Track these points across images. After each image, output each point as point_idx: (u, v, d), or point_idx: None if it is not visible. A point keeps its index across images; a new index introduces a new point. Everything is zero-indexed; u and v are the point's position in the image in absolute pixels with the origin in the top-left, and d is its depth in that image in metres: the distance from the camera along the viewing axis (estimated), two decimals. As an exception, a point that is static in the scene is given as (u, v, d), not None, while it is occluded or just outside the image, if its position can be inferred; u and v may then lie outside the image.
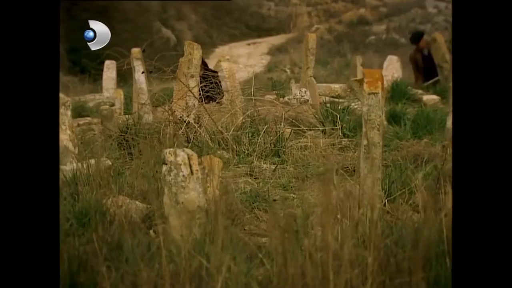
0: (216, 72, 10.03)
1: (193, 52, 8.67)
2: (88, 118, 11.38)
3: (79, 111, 12.50)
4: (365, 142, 4.48)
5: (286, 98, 11.62)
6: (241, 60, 31.39)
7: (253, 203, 5.61)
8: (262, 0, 38.76)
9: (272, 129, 7.19)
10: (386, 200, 5.14)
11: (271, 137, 7.02)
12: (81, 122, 10.84)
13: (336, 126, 7.70)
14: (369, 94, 4.41)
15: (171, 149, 4.49)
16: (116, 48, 6.91)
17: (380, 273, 3.08)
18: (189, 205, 4.43)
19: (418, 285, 2.99)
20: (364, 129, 4.49)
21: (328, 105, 8.60)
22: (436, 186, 4.87)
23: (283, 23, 37.34)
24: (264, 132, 7.02)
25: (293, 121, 7.74)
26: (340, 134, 7.62)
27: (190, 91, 7.39)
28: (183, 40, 32.66)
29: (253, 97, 8.07)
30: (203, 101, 7.74)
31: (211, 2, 36.54)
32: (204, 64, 11.31)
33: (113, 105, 12.22)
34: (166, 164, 4.46)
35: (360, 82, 8.97)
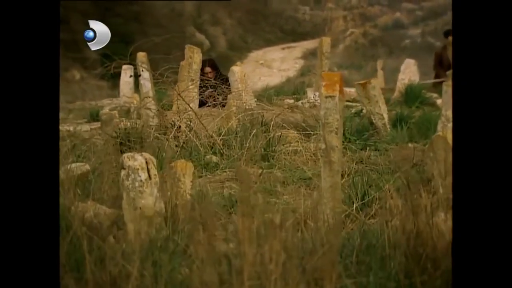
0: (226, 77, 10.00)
1: (193, 56, 8.65)
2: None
3: (95, 116, 12.56)
4: (323, 146, 4.40)
5: (299, 102, 11.55)
6: (275, 65, 31.43)
7: (231, 208, 5.55)
8: (298, 4, 38.75)
9: (262, 133, 7.12)
10: (358, 205, 5.06)
11: (261, 141, 6.95)
12: (93, 127, 11.00)
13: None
14: (326, 97, 4.31)
15: (129, 153, 4.46)
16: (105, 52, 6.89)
17: (302, 280, 3.01)
18: (147, 210, 4.40)
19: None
20: (322, 133, 4.41)
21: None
22: (406, 190, 4.76)
23: (318, 27, 37.26)
24: (254, 136, 6.95)
25: (284, 125, 7.65)
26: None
27: (179, 94, 7.37)
28: (217, 45, 32.83)
29: (246, 102, 8.01)
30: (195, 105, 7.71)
31: (246, 6, 36.59)
32: (215, 69, 11.28)
33: (128, 109, 12.25)
34: (124, 168, 4.43)
35: (364, 86, 8.94)
